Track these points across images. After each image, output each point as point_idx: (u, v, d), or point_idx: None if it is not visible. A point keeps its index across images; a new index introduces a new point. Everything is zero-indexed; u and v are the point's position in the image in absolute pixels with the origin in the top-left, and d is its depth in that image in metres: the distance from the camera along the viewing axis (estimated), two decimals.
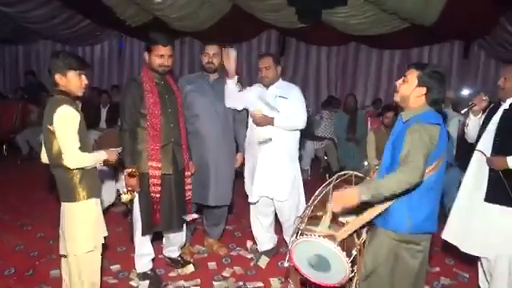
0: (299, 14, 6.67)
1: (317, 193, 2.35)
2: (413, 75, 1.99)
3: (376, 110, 7.40)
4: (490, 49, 7.96)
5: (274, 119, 2.98)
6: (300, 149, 6.41)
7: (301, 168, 6.09)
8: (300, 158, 6.31)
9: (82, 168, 2.24)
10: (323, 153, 6.41)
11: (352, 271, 2.01)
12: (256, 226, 3.34)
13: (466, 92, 7.14)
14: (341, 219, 2.11)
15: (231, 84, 3.10)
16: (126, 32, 8.59)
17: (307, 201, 3.28)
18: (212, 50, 3.11)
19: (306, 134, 6.20)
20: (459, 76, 8.32)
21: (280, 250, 3.47)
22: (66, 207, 2.30)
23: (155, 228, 2.82)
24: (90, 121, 2.25)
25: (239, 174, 3.43)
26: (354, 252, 2.05)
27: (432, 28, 6.58)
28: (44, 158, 2.37)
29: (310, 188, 5.44)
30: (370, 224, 2.14)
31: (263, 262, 3.26)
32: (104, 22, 8.26)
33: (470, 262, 3.20)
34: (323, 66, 9.21)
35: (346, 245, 2.00)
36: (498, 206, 2.40)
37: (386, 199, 1.93)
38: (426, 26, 6.58)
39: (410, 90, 1.99)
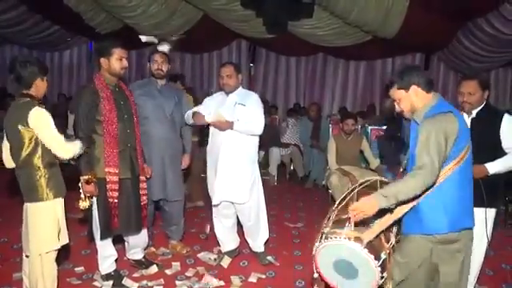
0: (266, 25, 6.86)
1: (340, 198, 2.22)
2: (395, 90, 2.02)
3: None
4: (448, 61, 8.43)
5: (234, 123, 3.11)
6: (267, 155, 6.58)
7: (268, 174, 6.31)
8: (267, 165, 6.50)
9: (51, 167, 2.33)
10: (289, 159, 6.60)
11: (382, 277, 1.87)
12: (218, 227, 3.44)
13: None
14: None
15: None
16: (95, 39, 8.55)
17: (267, 202, 3.45)
18: (160, 57, 3.29)
19: (273, 141, 6.38)
20: None
21: (243, 250, 3.59)
22: (31, 207, 2.34)
23: (114, 232, 2.87)
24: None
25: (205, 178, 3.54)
26: (383, 255, 1.91)
27: (394, 41, 6.93)
28: (8, 163, 2.40)
29: (276, 193, 5.68)
30: (399, 227, 2.08)
31: (226, 262, 3.36)
32: (73, 28, 8.21)
33: None
34: (292, 75, 9.48)
35: (374, 248, 1.88)
36: (476, 209, 2.47)
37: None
38: (388, 39, 6.91)
39: (407, 100, 1.99)
